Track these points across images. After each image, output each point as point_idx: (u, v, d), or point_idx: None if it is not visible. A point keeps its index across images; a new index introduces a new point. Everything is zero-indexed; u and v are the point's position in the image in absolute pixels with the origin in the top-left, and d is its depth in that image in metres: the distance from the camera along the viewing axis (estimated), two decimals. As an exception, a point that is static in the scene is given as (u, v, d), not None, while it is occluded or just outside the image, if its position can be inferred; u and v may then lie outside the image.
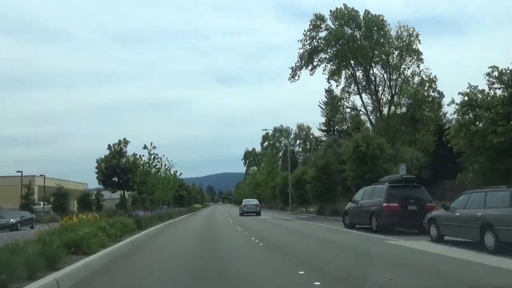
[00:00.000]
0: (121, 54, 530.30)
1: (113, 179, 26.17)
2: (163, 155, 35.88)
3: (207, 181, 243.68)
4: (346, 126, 72.30)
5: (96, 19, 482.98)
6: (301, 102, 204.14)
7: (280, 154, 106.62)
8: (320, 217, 30.88)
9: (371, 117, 43.20)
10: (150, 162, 29.53)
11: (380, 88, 42.63)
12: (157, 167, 29.76)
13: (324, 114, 78.49)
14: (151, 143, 30.30)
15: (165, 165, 36.59)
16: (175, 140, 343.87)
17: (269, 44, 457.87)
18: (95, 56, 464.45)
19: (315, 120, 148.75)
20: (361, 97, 39.90)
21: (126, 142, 26.63)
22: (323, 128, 78.40)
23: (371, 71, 41.37)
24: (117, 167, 25.86)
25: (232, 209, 68.55)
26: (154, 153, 29.99)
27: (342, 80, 43.59)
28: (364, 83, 42.83)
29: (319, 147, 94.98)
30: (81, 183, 69.95)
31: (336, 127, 78.15)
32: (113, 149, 26.96)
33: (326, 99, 78.86)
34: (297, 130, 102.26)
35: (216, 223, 26.69)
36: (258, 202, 43.68)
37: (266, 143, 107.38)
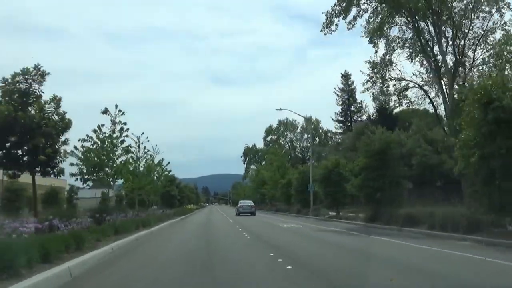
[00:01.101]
0: (117, 53, 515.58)
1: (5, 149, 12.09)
2: (142, 133, 24.59)
3: (202, 182, 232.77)
4: (368, 114, 60.84)
5: (92, 17, 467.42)
6: (300, 103, 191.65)
7: (284, 150, 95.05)
8: (381, 227, 19.56)
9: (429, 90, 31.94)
10: (115, 136, 18.09)
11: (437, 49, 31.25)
12: (124, 143, 18.31)
13: (340, 103, 67.36)
14: (116, 106, 18.82)
15: (144, 147, 25.36)
16: (170, 140, 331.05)
17: (267, 45, 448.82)
18: (90, 55, 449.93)
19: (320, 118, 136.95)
20: (433, 60, 28.61)
21: (42, 75, 12.73)
22: (339, 118, 67.10)
23: (431, 26, 30.04)
24: (14, 124, 11.03)
25: (232, 211, 57.37)
26: (121, 123, 18.59)
27: (382, 45, 32.07)
28: (419, 44, 31.44)
29: (330, 142, 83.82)
30: (60, 179, 54.45)
31: (355, 117, 66.99)
32: (10, 85, 11.42)
33: (342, 85, 67.81)
34: (304, 123, 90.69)
35: (223, 237, 15.30)
36: (253, 203, 45.35)
37: (270, 137, 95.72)
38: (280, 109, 36.84)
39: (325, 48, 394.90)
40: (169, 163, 30.43)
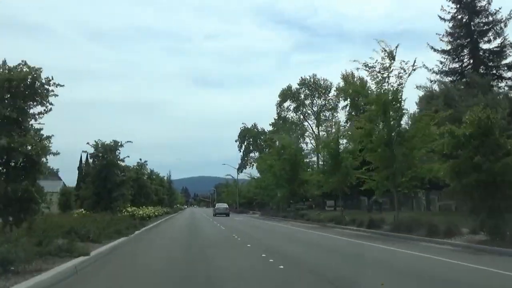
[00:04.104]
0: (102, 53, 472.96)
1: None
2: None
3: (181, 184, 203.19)
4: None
5: (76, 15, 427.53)
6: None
7: (307, 124, 62.42)
8: None
9: None
10: None
11: None
12: None
13: (449, 17, 34.90)
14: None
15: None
16: (150, 141, 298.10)
17: (252, 49, 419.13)
18: (74, 53, 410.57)
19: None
20: None
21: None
22: (448, 47, 34.52)
23: None
24: None
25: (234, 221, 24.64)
26: None
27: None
28: None
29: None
30: None
31: (481, 42, 34.70)
32: None
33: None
34: (342, 83, 57.83)
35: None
36: (227, 206, 52.69)
37: (288, 103, 61.95)
38: None
39: (309, 52, 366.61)
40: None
